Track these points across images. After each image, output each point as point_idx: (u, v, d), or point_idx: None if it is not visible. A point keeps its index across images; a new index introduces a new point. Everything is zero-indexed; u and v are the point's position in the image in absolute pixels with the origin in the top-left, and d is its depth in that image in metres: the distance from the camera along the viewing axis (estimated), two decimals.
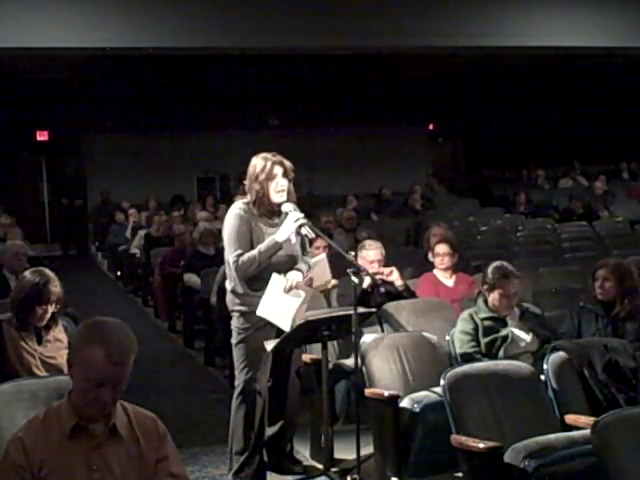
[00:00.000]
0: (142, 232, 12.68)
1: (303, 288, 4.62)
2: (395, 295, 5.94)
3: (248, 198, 4.71)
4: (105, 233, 15.05)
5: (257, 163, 4.67)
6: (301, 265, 4.76)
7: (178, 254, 9.79)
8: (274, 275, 4.56)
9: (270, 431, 4.88)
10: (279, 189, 4.63)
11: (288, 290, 4.54)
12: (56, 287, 4.36)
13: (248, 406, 4.69)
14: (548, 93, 18.15)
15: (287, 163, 4.68)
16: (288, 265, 4.68)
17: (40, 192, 18.37)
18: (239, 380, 4.71)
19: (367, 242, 6.23)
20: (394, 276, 5.92)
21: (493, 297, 4.90)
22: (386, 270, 5.92)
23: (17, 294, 4.42)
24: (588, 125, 18.47)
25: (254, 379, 4.65)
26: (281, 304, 4.51)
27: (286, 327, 4.48)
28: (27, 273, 4.50)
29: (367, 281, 5.70)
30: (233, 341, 4.74)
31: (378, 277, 5.80)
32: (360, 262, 5.59)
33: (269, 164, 4.62)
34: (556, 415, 4.11)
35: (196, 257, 9.13)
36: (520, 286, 5.06)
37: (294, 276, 4.61)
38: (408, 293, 6.13)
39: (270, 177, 4.61)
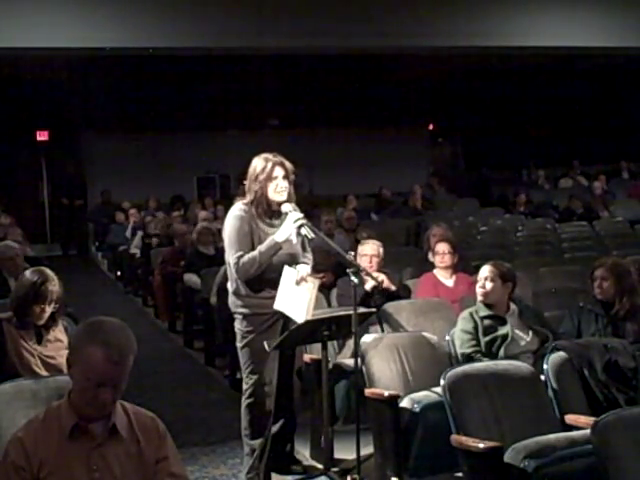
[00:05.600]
0: (141, 232, 12.68)
1: (310, 279, 4.62)
2: (394, 295, 5.96)
3: (248, 198, 4.71)
4: (105, 233, 15.05)
5: (257, 164, 4.67)
6: (306, 259, 4.76)
7: (178, 254, 9.78)
8: (286, 268, 4.56)
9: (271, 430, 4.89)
10: (279, 190, 4.63)
11: (299, 282, 4.54)
12: (54, 286, 4.36)
13: (257, 408, 4.69)
14: (548, 93, 18.15)
15: (288, 164, 4.68)
16: (289, 265, 4.68)
17: (40, 192, 18.36)
18: (247, 383, 4.71)
19: (366, 240, 6.24)
20: (385, 284, 5.92)
21: None
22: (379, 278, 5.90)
23: (16, 292, 4.44)
24: (588, 125, 18.47)
25: (262, 381, 4.66)
26: (294, 296, 4.52)
27: (300, 319, 4.47)
28: (27, 272, 4.52)
29: (370, 283, 5.71)
30: (238, 344, 4.74)
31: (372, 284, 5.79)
32: (357, 259, 5.65)
33: (269, 165, 4.62)
34: (556, 415, 4.11)
35: (196, 257, 9.11)
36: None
37: (303, 268, 4.62)
38: (405, 292, 6.16)
39: (270, 178, 4.61)
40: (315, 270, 5.88)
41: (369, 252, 6.09)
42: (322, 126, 18.06)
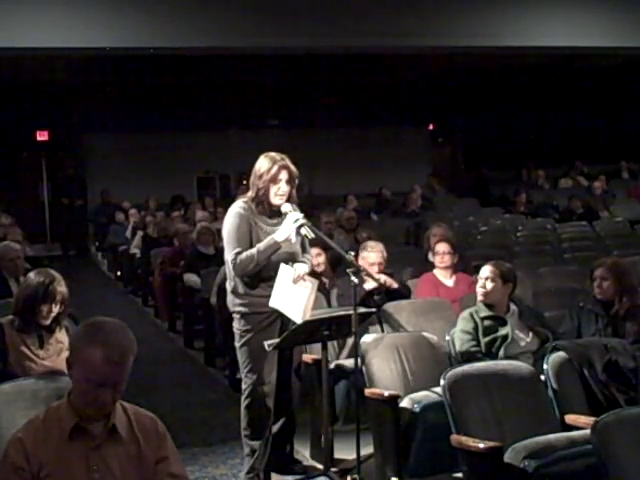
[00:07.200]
0: (141, 232, 12.69)
1: (309, 279, 4.62)
2: (394, 295, 5.95)
3: (248, 195, 4.72)
4: (105, 233, 15.05)
5: (263, 163, 4.66)
6: (305, 259, 4.77)
7: (178, 254, 9.79)
8: (282, 265, 4.56)
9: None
10: (280, 194, 4.63)
11: (296, 281, 4.54)
12: (62, 287, 4.35)
13: (256, 408, 4.69)
14: (548, 93, 18.16)
15: (293, 169, 4.67)
16: (287, 264, 4.67)
17: (40, 192, 18.35)
18: (246, 383, 4.72)
19: (369, 244, 6.14)
20: (387, 282, 5.92)
21: None
22: (381, 278, 5.88)
23: (22, 292, 4.40)
24: (588, 125, 18.47)
25: (261, 381, 4.66)
26: (291, 295, 4.52)
27: (297, 319, 4.48)
28: (31, 273, 4.48)
29: (371, 284, 5.70)
30: (236, 344, 4.74)
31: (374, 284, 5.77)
32: (360, 262, 5.60)
33: (275, 167, 4.61)
34: (556, 415, 4.11)
35: (196, 257, 9.11)
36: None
37: (301, 267, 4.62)
38: (405, 291, 6.15)
39: (274, 180, 4.61)
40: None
41: (374, 260, 5.96)
42: (322, 126, 18.06)
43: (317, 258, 6.41)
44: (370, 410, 4.59)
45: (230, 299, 4.74)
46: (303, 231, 4.58)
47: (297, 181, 4.71)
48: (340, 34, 12.05)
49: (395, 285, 6.02)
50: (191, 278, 8.86)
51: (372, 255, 5.99)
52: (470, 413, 3.91)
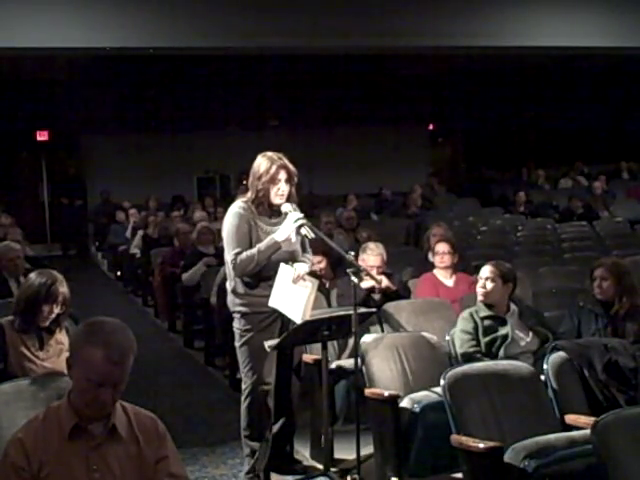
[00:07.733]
0: (141, 232, 12.69)
1: (309, 279, 4.62)
2: (393, 297, 5.95)
3: (248, 196, 4.71)
4: (105, 233, 15.04)
5: (262, 163, 4.65)
6: (304, 259, 4.76)
7: (178, 254, 9.78)
8: (282, 265, 4.56)
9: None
10: (280, 193, 4.63)
11: (296, 281, 4.53)
12: (63, 287, 4.34)
13: (256, 408, 4.70)
14: (548, 93, 18.16)
15: (291, 168, 4.67)
16: (287, 263, 4.67)
17: (40, 192, 18.36)
18: (246, 383, 4.72)
19: (370, 246, 6.14)
20: (384, 284, 5.92)
21: None
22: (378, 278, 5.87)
23: (24, 293, 4.38)
24: (588, 125, 18.47)
25: (261, 380, 4.66)
26: (291, 295, 4.51)
27: (297, 319, 4.48)
28: (33, 274, 4.47)
29: (368, 283, 5.70)
30: (237, 344, 4.74)
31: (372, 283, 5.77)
32: (360, 264, 5.61)
33: (274, 168, 4.61)
34: (556, 415, 4.11)
35: (196, 257, 9.10)
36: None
37: (301, 267, 4.62)
38: (405, 293, 6.15)
39: (273, 180, 4.61)
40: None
41: (373, 264, 5.97)
42: (322, 126, 18.07)
43: (319, 265, 6.42)
44: (370, 410, 4.59)
45: (230, 299, 4.74)
46: (303, 231, 4.58)
47: (296, 179, 4.71)
48: (340, 34, 12.06)
49: (393, 287, 6.03)
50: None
51: (372, 258, 6.01)
52: (470, 413, 3.91)
